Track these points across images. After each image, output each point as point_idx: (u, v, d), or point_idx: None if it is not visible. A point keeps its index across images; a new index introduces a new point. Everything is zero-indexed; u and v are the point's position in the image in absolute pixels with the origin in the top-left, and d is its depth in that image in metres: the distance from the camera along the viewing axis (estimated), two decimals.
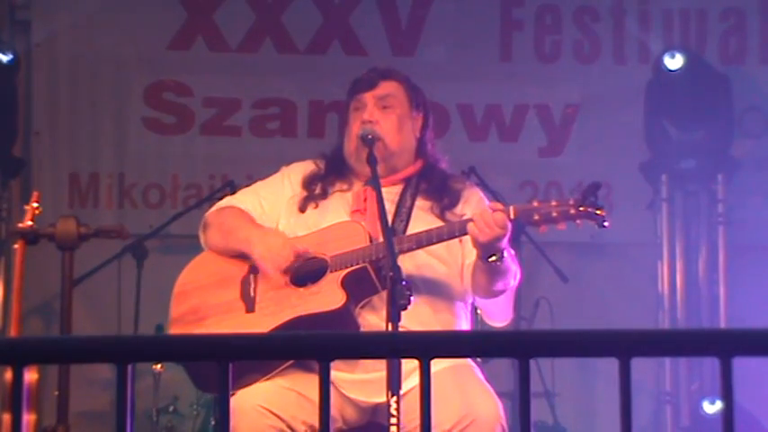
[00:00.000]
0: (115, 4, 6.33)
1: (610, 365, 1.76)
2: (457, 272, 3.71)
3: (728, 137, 6.24)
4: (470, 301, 3.79)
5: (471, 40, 6.44)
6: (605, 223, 3.47)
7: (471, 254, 3.62)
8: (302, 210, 3.80)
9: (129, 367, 1.73)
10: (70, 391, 3.52)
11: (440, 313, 3.67)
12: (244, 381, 3.49)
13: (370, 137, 3.68)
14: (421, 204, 3.76)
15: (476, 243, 3.46)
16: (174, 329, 3.76)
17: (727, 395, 1.74)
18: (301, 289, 3.61)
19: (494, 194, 5.08)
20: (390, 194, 3.73)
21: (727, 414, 1.75)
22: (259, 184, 3.97)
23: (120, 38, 6.33)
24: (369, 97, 3.78)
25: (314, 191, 3.82)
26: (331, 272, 3.59)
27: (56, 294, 3.86)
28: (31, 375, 3.50)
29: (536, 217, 3.48)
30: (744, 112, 6.37)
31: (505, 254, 3.52)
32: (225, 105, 6.38)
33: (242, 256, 3.73)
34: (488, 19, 6.46)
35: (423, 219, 3.70)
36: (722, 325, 6.14)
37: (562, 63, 6.48)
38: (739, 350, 1.75)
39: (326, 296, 3.55)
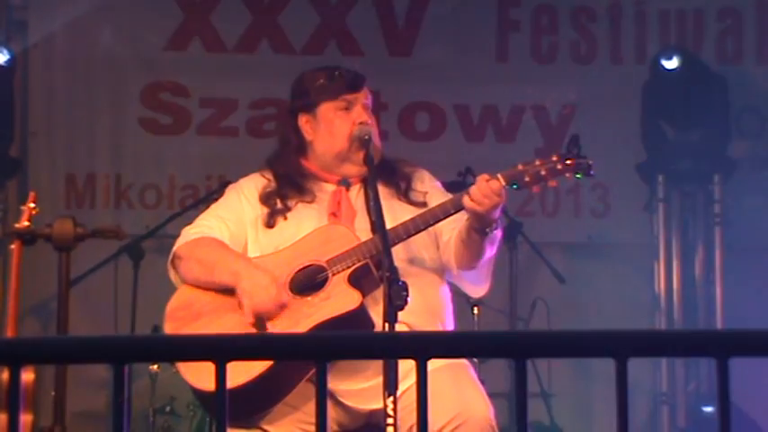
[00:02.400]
0: (112, 5, 6.32)
1: (606, 366, 1.76)
2: (434, 250, 3.68)
3: (725, 137, 6.24)
4: (447, 278, 3.73)
5: (468, 40, 6.44)
6: (591, 171, 3.48)
7: (448, 230, 3.61)
8: (270, 225, 3.68)
9: (126, 367, 1.73)
10: (67, 391, 3.51)
11: (427, 296, 3.61)
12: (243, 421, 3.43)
13: (367, 137, 3.66)
14: (384, 193, 3.65)
15: (474, 215, 3.45)
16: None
17: (724, 396, 1.74)
18: (309, 298, 3.53)
19: None
20: (354, 191, 3.71)
21: (724, 415, 1.75)
22: (215, 207, 3.82)
23: (117, 39, 6.32)
24: (360, 98, 3.74)
25: (275, 206, 3.70)
26: (333, 275, 3.54)
27: (52, 295, 3.86)
28: (27, 376, 3.49)
29: (527, 179, 3.48)
30: (740, 113, 6.38)
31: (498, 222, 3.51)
32: (221, 106, 6.37)
33: (227, 290, 3.57)
34: (485, 19, 6.46)
35: (393, 206, 3.65)
36: (719, 325, 6.14)
37: (559, 63, 6.48)
38: (736, 351, 1.75)
39: (340, 298, 3.50)
